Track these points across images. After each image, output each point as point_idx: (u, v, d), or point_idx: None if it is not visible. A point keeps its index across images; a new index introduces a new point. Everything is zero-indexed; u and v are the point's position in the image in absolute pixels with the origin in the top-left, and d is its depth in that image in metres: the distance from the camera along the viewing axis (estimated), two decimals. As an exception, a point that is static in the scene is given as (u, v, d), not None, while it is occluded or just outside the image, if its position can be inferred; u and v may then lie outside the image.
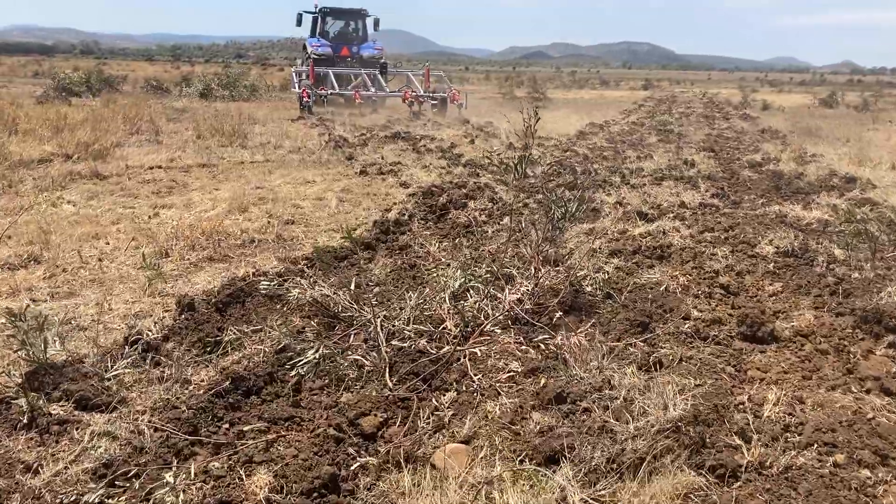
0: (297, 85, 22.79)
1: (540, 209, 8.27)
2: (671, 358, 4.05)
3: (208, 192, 9.22)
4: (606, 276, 5.55)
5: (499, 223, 7.72)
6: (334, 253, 6.31)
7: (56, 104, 19.58)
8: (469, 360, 4.01)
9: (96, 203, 8.34)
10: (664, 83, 78.42)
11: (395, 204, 8.70)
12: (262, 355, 4.05)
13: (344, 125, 18.35)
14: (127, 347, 4.00)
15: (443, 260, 6.16)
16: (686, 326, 4.55)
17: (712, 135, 19.10)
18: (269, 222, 7.63)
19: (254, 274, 5.53)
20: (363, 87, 22.26)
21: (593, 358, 3.89)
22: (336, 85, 21.83)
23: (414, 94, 22.46)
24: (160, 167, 10.95)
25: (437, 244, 6.77)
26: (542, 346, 4.22)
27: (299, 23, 25.00)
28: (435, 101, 22.68)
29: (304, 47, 26.06)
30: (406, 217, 7.73)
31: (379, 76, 23.11)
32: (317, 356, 3.89)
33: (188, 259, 6.19)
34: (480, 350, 4.13)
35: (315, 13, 25.17)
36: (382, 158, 12.50)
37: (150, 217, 7.78)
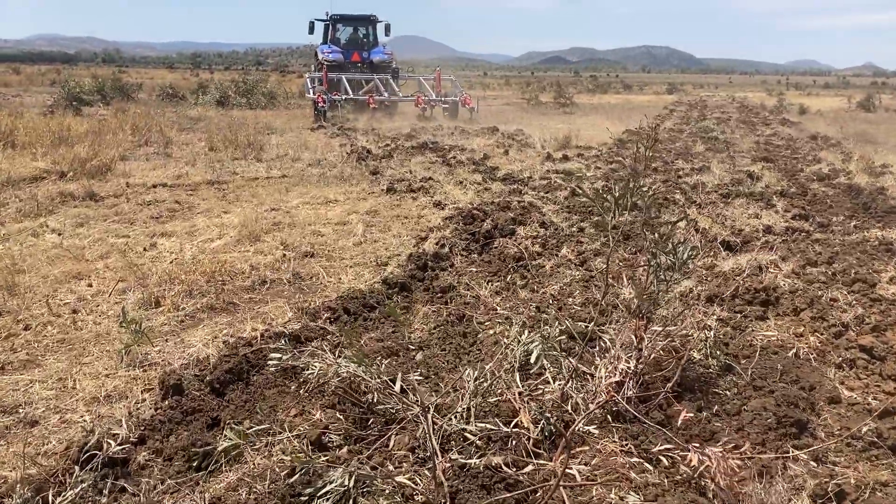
0: (311, 91, 22.59)
1: (599, 234, 7.05)
2: (858, 486, 2.80)
3: (216, 216, 8.06)
4: (714, 336, 4.30)
5: (555, 254, 6.49)
6: (362, 300, 5.12)
7: (64, 114, 18.57)
8: (565, 487, 2.78)
9: (85, 231, 7.20)
10: (688, 87, 76.77)
11: (430, 229, 7.50)
12: (268, 478, 2.85)
13: (366, 135, 17.21)
14: (78, 469, 2.82)
15: (498, 310, 4.94)
16: (862, 427, 3.27)
17: (760, 142, 17.76)
18: (284, 255, 6.45)
19: (263, 335, 4.35)
20: (376, 92, 22.30)
21: (749, 486, 2.66)
22: (349, 90, 21.92)
23: (426, 98, 22.64)
24: (165, 185, 9.82)
25: (486, 285, 5.57)
26: (665, 461, 2.99)
27: (311, 30, 25.25)
28: (447, 106, 22.67)
29: (316, 55, 26.19)
30: (446, 249, 6.52)
31: (391, 81, 23.34)
32: (345, 485, 2.69)
33: (184, 309, 5.02)
34: (578, 470, 2.91)
35: (326, 21, 25.35)
36: (411, 173, 11.31)
37: (145, 249, 6.63)
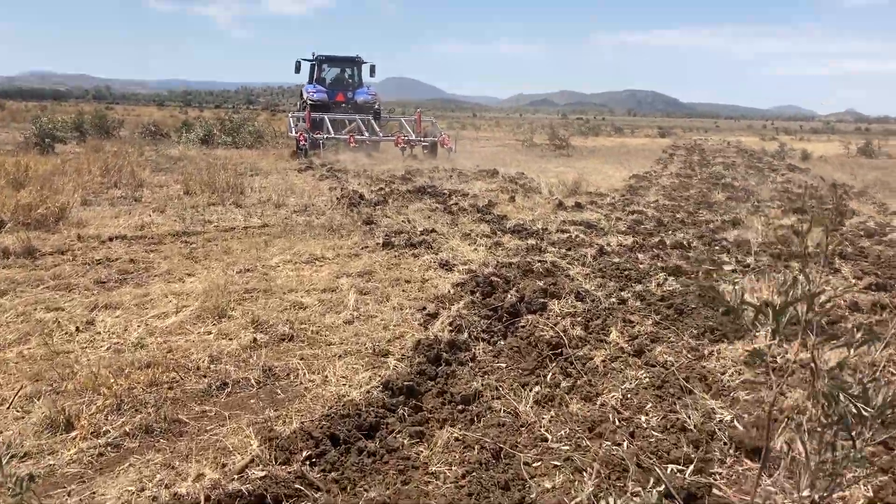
0: (293, 129, 23.17)
1: (647, 310, 5.68)
2: None
3: (177, 279, 6.64)
4: None
5: (603, 340, 5.10)
6: (356, 418, 3.71)
7: (30, 152, 17.18)
8: None
9: (6, 302, 5.75)
10: (677, 130, 76.24)
11: (438, 300, 6.10)
12: None
13: (358, 177, 15.88)
14: None
15: (549, 439, 3.54)
16: None
17: (779, 190, 16.55)
18: (254, 340, 5.03)
19: (209, 497, 2.91)
20: (357, 132, 22.67)
21: None
22: (332, 129, 22.32)
23: (405, 138, 23.03)
24: (123, 237, 8.40)
25: (522, 391, 4.17)
26: None
27: (298, 70, 25.53)
28: (426, 145, 23.22)
29: (301, 94, 26.62)
30: (464, 335, 5.10)
31: (372, 121, 23.91)
32: None
33: (107, 433, 3.57)
34: None
35: (312, 61, 25.60)
36: (409, 222, 9.94)
37: (78, 329, 5.19)
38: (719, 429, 3.62)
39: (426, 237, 8.66)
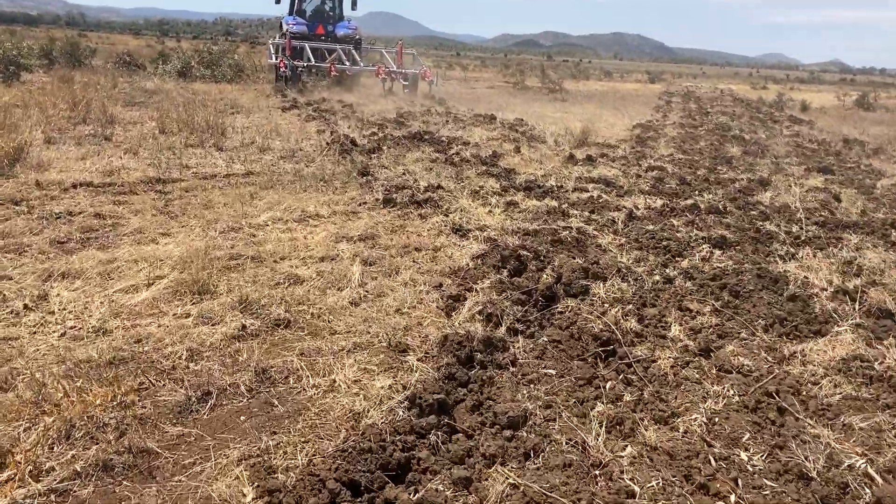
0: (273, 56, 22.95)
1: (703, 294, 4.85)
2: None
3: (149, 241, 5.68)
4: None
5: (662, 335, 4.26)
6: (379, 452, 2.85)
7: (-8, 81, 15.87)
8: None
9: (-58, 269, 4.79)
10: (667, 76, 74.86)
11: (456, 275, 5.22)
12: None
13: (347, 119, 14.79)
14: None
15: (635, 491, 2.71)
16: None
17: (790, 143, 15.71)
18: (243, 327, 4.13)
19: None
20: (338, 62, 22.18)
21: None
22: (312, 58, 22.17)
23: (386, 69, 22.69)
24: (90, 185, 7.39)
25: (579, 408, 3.34)
26: None
27: (278, 1, 25.26)
28: (406, 83, 22.72)
29: (281, 26, 25.98)
30: (499, 328, 4.23)
31: (354, 52, 23.41)
32: None
33: (49, 478, 2.69)
34: None
35: None
36: (410, 174, 8.98)
37: (27, 307, 4.25)
38: (853, 478, 2.80)
39: (432, 194, 7.72)
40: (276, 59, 22.14)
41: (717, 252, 6.06)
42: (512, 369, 3.74)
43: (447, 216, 6.94)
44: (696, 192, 8.77)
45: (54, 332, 3.96)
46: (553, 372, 3.70)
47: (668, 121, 20.53)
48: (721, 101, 33.52)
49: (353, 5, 25.71)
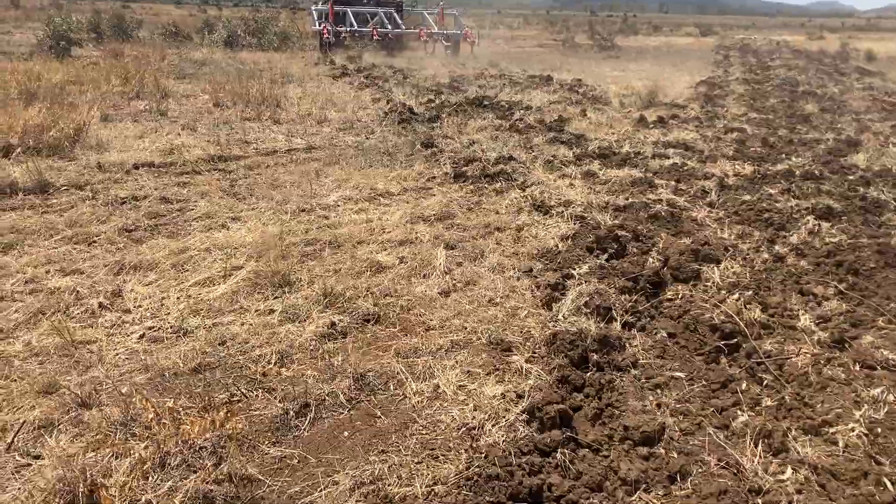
0: (316, 23, 22.90)
1: (822, 273, 4.42)
2: None
3: (219, 227, 5.40)
4: None
5: (789, 326, 3.85)
6: (509, 480, 2.54)
7: (45, 57, 15.77)
8: None
9: (14, 261, 4.57)
10: (717, 29, 72.65)
11: (546, 258, 4.86)
12: None
13: (401, 86, 14.38)
14: None
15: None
16: None
17: (867, 98, 14.86)
18: (332, 325, 3.83)
19: None
20: (380, 26, 22.51)
21: None
22: (354, 23, 22.33)
23: (428, 31, 22.90)
24: (151, 165, 7.15)
25: (718, 417, 2.98)
26: None
27: None
28: (448, 44, 22.87)
29: None
30: (616, 324, 3.86)
31: (395, 15, 23.52)
32: None
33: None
34: None
35: None
36: (476, 145, 8.58)
37: (101, 305, 4.00)
38: None
39: (504, 166, 7.32)
40: (320, 25, 22.13)
41: (825, 224, 5.58)
42: (634, 371, 3.37)
43: (524, 190, 6.55)
44: (784, 156, 8.22)
45: (133, 333, 3.71)
46: (682, 375, 3.33)
47: (731, 77, 19.67)
48: (780, 54, 32.16)
49: None
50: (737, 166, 7.56)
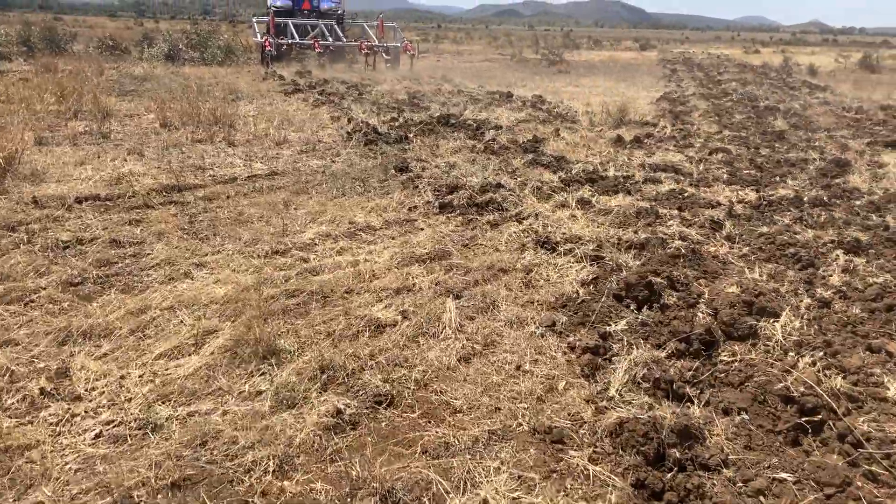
0: (258, 35, 22.90)
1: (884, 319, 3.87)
2: None
3: (182, 276, 4.62)
4: None
5: (875, 394, 3.27)
6: None
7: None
8: None
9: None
10: (655, 43, 73.75)
11: (568, 307, 4.21)
12: None
13: (359, 103, 13.64)
14: None
15: None
16: None
17: (829, 113, 14.71)
18: (338, 413, 3.11)
19: None
20: (321, 38, 22.73)
21: None
22: (296, 35, 22.45)
23: (368, 44, 22.98)
24: (96, 198, 6.30)
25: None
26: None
27: None
28: (388, 57, 23.01)
29: (268, 1, 26.79)
30: (672, 397, 3.23)
31: (336, 27, 23.68)
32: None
33: None
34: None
35: None
36: (454, 169, 7.92)
37: (42, 392, 3.20)
38: None
39: (492, 194, 6.68)
40: (262, 38, 21.92)
41: (858, 260, 5.08)
42: (726, 472, 2.73)
43: (521, 223, 5.92)
44: (777, 178, 7.78)
45: (86, 430, 2.93)
46: (789, 477, 2.70)
47: (687, 92, 19.43)
48: (726, 69, 32.38)
49: None
50: (739, 192, 7.06)
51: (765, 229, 5.74)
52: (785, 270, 4.86)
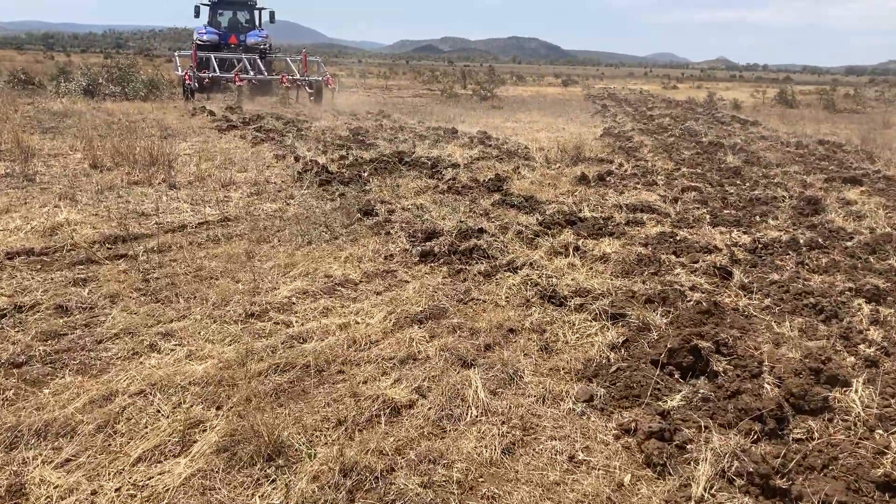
0: (179, 68, 23.24)
1: None
2: None
3: (147, 349, 3.92)
4: None
5: None
6: None
7: None
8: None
9: None
10: (577, 78, 75.34)
11: (601, 376, 3.71)
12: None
13: (302, 140, 12.99)
14: None
15: None
16: None
17: (774, 148, 14.84)
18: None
19: None
20: (243, 71, 22.69)
21: None
22: (217, 69, 22.50)
23: (290, 77, 23.16)
24: (31, 253, 5.51)
25: None
26: None
27: (197, 14, 25.89)
28: (311, 91, 23.07)
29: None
30: (768, 494, 2.74)
31: (258, 61, 23.83)
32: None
33: None
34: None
35: (209, 4, 26.31)
36: (422, 211, 7.40)
37: (-4, 519, 2.50)
38: None
39: (475, 240, 6.15)
40: (182, 71, 21.97)
41: (885, 310, 4.75)
42: None
43: (515, 272, 5.41)
44: (758, 218, 7.52)
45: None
46: None
47: (626, 127, 19.44)
48: (653, 104, 32.98)
49: (272, 19, 26.62)
50: (731, 235, 6.73)
51: (776, 277, 5.39)
52: (815, 324, 4.48)
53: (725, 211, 7.82)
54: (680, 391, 3.44)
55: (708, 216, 7.49)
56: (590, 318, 4.48)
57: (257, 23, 27.34)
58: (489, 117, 21.42)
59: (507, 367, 3.86)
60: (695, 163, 12.12)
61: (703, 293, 4.94)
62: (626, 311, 4.49)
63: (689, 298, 4.76)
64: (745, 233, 6.85)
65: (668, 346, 3.74)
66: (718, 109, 28.90)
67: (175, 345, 3.96)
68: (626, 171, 10.66)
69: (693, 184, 9.39)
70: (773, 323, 4.51)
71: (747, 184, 9.93)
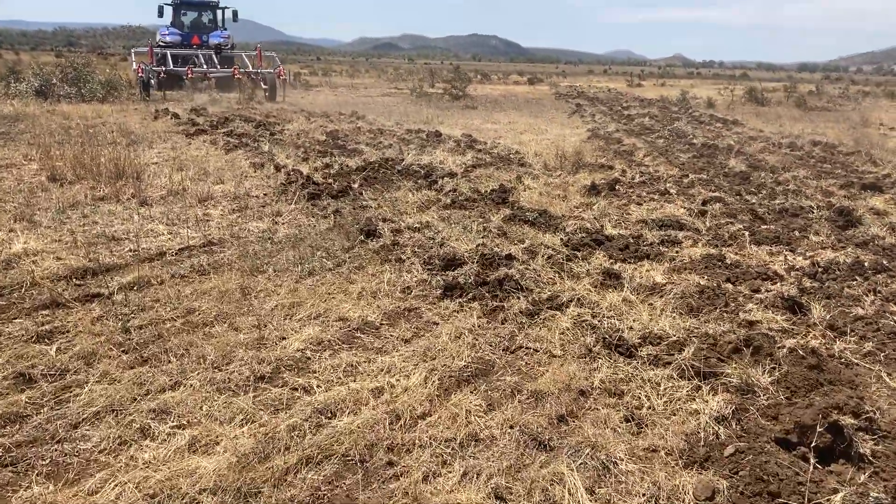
0: (134, 63, 23.32)
1: None
2: None
3: (136, 436, 3.05)
4: None
5: None
6: None
7: None
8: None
9: None
10: (541, 77, 75.03)
11: (713, 461, 2.95)
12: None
13: (280, 146, 12.06)
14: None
15: None
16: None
17: (770, 149, 14.31)
18: None
19: None
20: (198, 66, 23.24)
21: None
22: (171, 63, 22.69)
23: (242, 71, 23.67)
24: (-19, 296, 4.58)
25: None
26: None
27: (161, 14, 26.22)
28: (266, 87, 23.22)
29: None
30: None
31: (213, 56, 24.38)
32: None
33: None
34: None
35: (172, 4, 26.59)
36: (431, 229, 6.59)
37: None
38: None
39: (507, 270, 5.35)
40: (136, 66, 22.20)
41: None
42: None
43: (561, 311, 4.63)
44: (798, 234, 6.86)
45: None
46: None
47: (608, 128, 18.79)
48: (626, 102, 32.46)
49: (235, 18, 27.22)
50: (786, 257, 6.03)
51: (860, 312, 4.68)
52: (937, 378, 3.78)
53: (763, 226, 7.13)
54: (833, 487, 2.69)
55: (746, 233, 6.79)
56: (674, 375, 3.71)
57: (220, 22, 27.69)
58: (467, 118, 20.65)
59: (599, 452, 3.07)
60: (697, 167, 11.49)
61: (793, 337, 4.20)
62: (716, 364, 3.73)
63: (779, 344, 4.02)
64: (792, 251, 6.16)
65: (798, 420, 2.99)
66: (694, 108, 28.50)
67: (173, 427, 3.10)
68: (632, 178, 9.95)
69: (713, 194, 8.70)
70: (883, 373, 3.79)
71: (763, 192, 9.29)
